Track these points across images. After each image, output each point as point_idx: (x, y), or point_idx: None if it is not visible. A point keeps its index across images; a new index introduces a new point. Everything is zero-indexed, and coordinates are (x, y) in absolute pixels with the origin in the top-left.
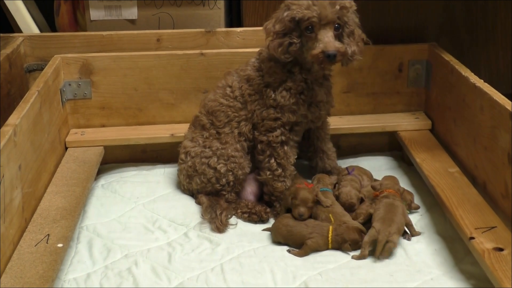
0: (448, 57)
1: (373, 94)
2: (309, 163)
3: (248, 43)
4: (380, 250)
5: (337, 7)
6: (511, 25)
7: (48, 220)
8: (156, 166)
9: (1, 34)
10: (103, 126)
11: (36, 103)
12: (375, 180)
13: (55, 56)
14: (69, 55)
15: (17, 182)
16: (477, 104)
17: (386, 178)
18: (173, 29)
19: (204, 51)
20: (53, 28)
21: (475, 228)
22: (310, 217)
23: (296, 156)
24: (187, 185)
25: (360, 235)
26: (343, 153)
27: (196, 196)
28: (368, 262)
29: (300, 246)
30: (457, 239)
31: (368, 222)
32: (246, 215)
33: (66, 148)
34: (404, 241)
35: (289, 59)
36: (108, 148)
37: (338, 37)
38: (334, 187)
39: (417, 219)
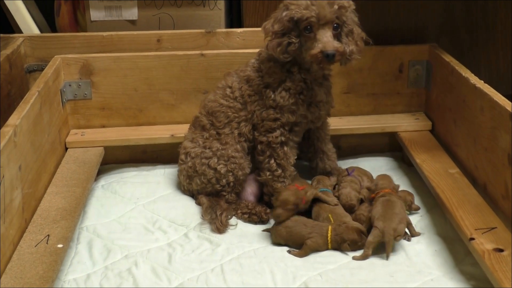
0: (448, 58)
1: (373, 95)
2: (309, 163)
3: (248, 43)
4: (390, 251)
5: (336, 6)
6: (511, 25)
7: (48, 221)
8: (156, 166)
9: (1, 35)
10: (103, 126)
11: (36, 103)
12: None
13: (55, 56)
14: (70, 55)
15: (17, 183)
16: (477, 105)
17: (380, 178)
18: (173, 29)
19: (204, 51)
20: (54, 29)
21: (475, 229)
22: (310, 217)
23: (296, 157)
24: (187, 186)
25: (359, 235)
26: (343, 154)
27: (196, 197)
28: (368, 262)
29: (300, 246)
30: (457, 240)
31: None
32: (246, 216)
33: (66, 149)
34: (404, 242)
35: (288, 59)
36: (108, 149)
37: (337, 36)
38: (334, 188)
39: (417, 220)
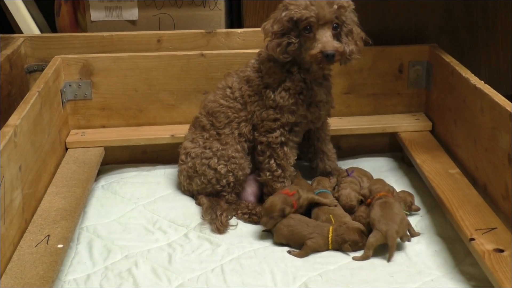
0: (448, 58)
1: (373, 95)
2: (309, 164)
3: (249, 44)
4: (392, 255)
5: (335, 6)
6: (511, 25)
7: (48, 221)
8: (157, 167)
9: (2, 35)
10: (104, 127)
11: (36, 104)
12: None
13: (55, 56)
14: (70, 56)
15: (17, 183)
16: (477, 105)
17: (374, 182)
18: (174, 30)
19: (204, 52)
20: (54, 29)
21: (476, 229)
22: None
23: (296, 157)
24: (187, 186)
25: (360, 235)
26: (343, 154)
27: (196, 197)
28: (368, 263)
29: (300, 246)
30: (458, 240)
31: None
32: (246, 216)
33: (67, 149)
34: (404, 242)
35: (287, 59)
36: (109, 149)
37: (336, 36)
38: (334, 189)
39: (417, 220)
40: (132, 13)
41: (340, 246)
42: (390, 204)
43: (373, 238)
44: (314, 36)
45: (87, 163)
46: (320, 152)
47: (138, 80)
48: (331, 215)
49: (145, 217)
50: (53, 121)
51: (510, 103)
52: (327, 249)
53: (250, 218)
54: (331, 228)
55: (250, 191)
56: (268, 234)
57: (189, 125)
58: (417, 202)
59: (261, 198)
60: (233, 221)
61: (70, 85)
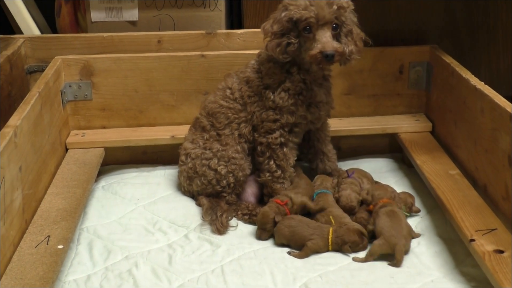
0: (448, 59)
1: (373, 96)
2: (309, 165)
3: (249, 45)
4: (399, 266)
5: (335, 7)
6: (511, 26)
7: (48, 222)
8: (157, 167)
9: (2, 36)
10: (104, 127)
11: (36, 104)
12: (376, 182)
13: (55, 57)
14: (70, 56)
15: (17, 184)
16: (477, 106)
17: (376, 188)
18: (174, 30)
19: (204, 52)
20: (54, 30)
21: (476, 230)
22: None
23: (295, 158)
24: (187, 187)
25: (360, 237)
26: (343, 155)
27: (196, 198)
28: (368, 264)
29: (301, 247)
30: (458, 241)
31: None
32: (246, 217)
33: (67, 150)
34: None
35: (287, 59)
36: (109, 150)
37: (336, 37)
38: (334, 190)
39: (418, 221)
40: (133, 14)
41: (340, 247)
42: (397, 215)
43: (378, 247)
44: (313, 37)
45: (87, 163)
46: (320, 153)
47: (138, 81)
48: (331, 216)
49: (145, 218)
50: (53, 121)
51: (510, 104)
52: (327, 250)
53: (250, 219)
54: (331, 229)
55: (250, 192)
56: None
57: (189, 126)
58: (417, 203)
59: (261, 198)
60: (233, 222)
61: (70, 86)
